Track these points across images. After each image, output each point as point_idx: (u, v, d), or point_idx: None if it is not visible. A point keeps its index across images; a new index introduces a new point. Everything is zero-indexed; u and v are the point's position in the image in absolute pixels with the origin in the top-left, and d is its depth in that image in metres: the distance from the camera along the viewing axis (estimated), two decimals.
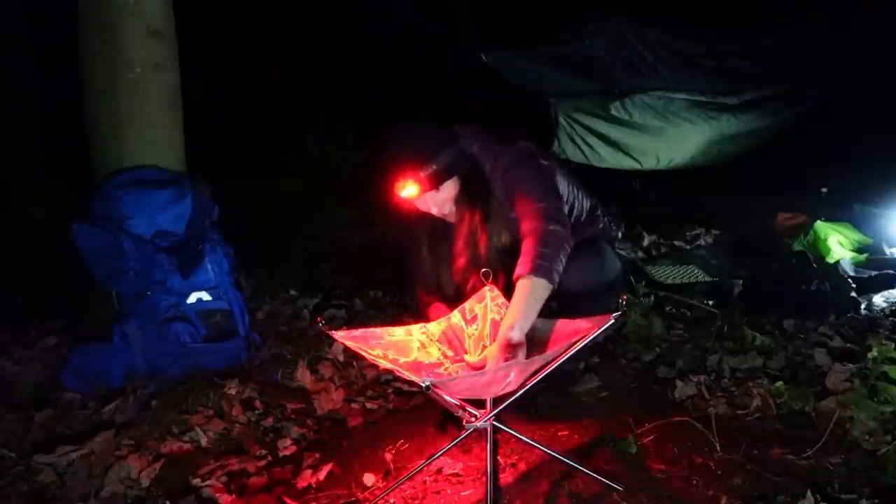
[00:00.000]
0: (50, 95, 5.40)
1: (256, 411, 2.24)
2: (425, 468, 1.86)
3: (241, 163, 5.41)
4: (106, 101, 2.75)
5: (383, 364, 1.69)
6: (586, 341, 1.60)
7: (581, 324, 1.73)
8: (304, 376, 2.43)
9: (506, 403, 1.70)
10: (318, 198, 5.08)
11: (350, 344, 1.76)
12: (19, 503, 1.82)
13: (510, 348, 1.68)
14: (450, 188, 2.02)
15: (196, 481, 1.85)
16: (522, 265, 1.78)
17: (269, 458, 2.00)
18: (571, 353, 1.60)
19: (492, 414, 1.70)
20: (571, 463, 1.78)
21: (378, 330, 1.90)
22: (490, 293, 2.01)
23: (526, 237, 1.87)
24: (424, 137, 1.98)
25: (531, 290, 1.74)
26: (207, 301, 2.63)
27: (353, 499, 1.78)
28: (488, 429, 1.73)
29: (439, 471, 1.87)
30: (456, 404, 1.65)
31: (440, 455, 1.84)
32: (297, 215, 4.80)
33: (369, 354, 1.71)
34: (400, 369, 1.66)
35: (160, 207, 2.60)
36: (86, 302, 2.89)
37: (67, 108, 3.23)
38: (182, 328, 2.55)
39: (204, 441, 2.06)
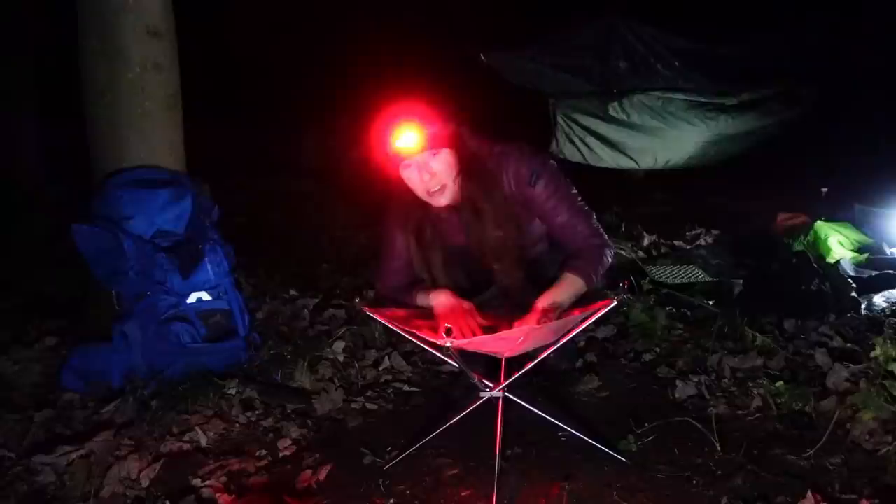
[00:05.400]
0: (50, 95, 5.42)
1: (256, 411, 2.23)
2: (425, 465, 1.89)
3: (242, 163, 5.41)
4: (106, 101, 2.74)
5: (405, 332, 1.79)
6: (590, 321, 1.76)
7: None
8: (304, 376, 2.43)
9: (519, 374, 1.80)
10: (318, 198, 5.08)
11: (384, 320, 1.85)
12: (19, 503, 1.82)
13: (541, 314, 1.82)
14: (446, 161, 1.95)
15: (196, 481, 1.85)
16: (571, 263, 1.98)
17: (269, 458, 1.99)
18: (578, 329, 1.79)
19: (505, 384, 1.79)
20: (583, 437, 1.89)
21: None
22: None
23: (575, 246, 2.03)
24: (430, 105, 1.95)
25: (571, 282, 1.93)
26: (207, 301, 2.63)
27: (352, 499, 1.78)
28: (500, 398, 1.81)
29: (439, 471, 1.87)
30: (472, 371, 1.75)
31: (456, 420, 1.92)
32: (297, 215, 4.80)
33: (399, 327, 1.82)
34: (420, 334, 1.74)
35: (160, 207, 2.60)
36: (86, 302, 2.89)
37: (67, 108, 3.23)
38: (182, 328, 2.55)
39: (204, 441, 2.06)
